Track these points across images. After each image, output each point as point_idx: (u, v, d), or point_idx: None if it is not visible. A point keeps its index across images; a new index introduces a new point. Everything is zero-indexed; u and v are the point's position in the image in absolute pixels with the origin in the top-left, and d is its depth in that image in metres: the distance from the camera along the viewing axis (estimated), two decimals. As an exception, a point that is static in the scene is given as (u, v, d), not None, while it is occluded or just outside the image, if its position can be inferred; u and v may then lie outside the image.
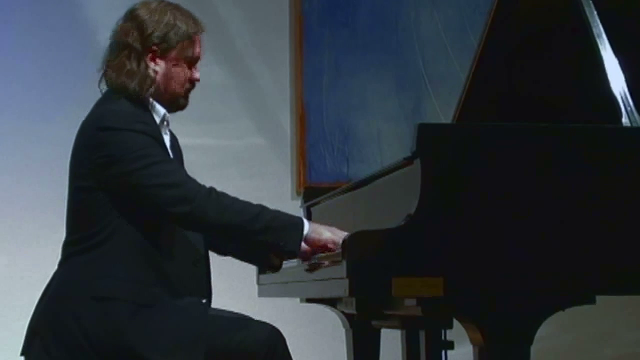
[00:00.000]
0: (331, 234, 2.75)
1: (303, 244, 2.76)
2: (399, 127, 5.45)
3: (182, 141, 3.06)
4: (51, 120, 5.11)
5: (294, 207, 3.57)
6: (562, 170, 2.55)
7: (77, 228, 2.82)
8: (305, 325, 4.91)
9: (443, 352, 3.13)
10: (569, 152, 2.57)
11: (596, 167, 2.57)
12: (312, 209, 3.62)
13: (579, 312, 2.63)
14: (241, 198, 2.78)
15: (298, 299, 3.70)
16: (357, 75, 5.51)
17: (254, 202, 2.79)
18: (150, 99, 2.85)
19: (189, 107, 2.96)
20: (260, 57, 5.44)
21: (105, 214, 2.76)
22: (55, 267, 2.86)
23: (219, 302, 3.04)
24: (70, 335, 2.70)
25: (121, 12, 2.93)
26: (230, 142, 5.36)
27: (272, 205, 2.80)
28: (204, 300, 2.93)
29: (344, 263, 2.46)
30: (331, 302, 3.54)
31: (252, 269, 3.59)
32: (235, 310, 2.94)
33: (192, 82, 2.90)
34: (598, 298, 2.57)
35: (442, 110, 5.32)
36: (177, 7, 2.89)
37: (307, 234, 2.74)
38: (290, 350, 2.81)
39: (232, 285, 4.29)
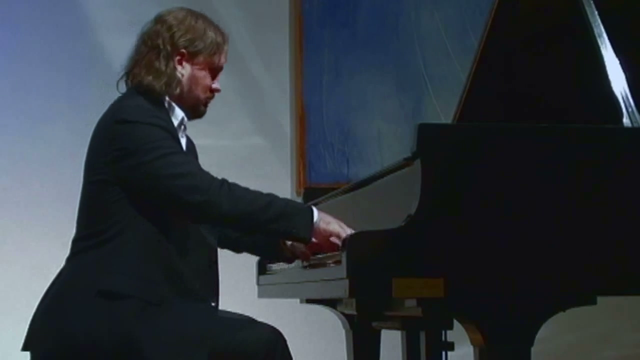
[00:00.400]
0: (338, 225, 2.77)
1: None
2: (399, 128, 5.45)
3: (191, 139, 3.05)
4: (52, 121, 5.11)
5: (293, 207, 3.56)
6: (563, 171, 2.54)
7: (88, 223, 2.82)
8: (305, 326, 4.91)
9: (443, 353, 3.12)
10: (569, 152, 2.56)
11: (597, 168, 2.57)
12: (312, 209, 3.61)
13: (579, 313, 2.62)
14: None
15: (298, 300, 3.69)
16: (357, 76, 5.51)
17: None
18: (171, 102, 2.88)
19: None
20: (260, 57, 5.44)
21: (118, 210, 2.76)
22: (55, 268, 2.85)
23: (219, 302, 3.03)
24: (72, 332, 2.69)
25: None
26: (230, 142, 5.36)
27: (272, 205, 2.80)
28: (212, 304, 2.93)
29: (344, 264, 2.46)
30: (331, 303, 3.53)
31: (252, 270, 3.58)
32: (236, 311, 2.94)
33: (213, 91, 2.95)
34: (599, 299, 2.57)
35: (443, 110, 5.32)
36: (205, 17, 2.96)
37: (316, 222, 2.77)
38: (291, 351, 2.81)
39: (232, 286, 4.28)
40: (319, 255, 2.85)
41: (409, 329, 3.23)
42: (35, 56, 5.19)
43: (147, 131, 2.76)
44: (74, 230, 2.86)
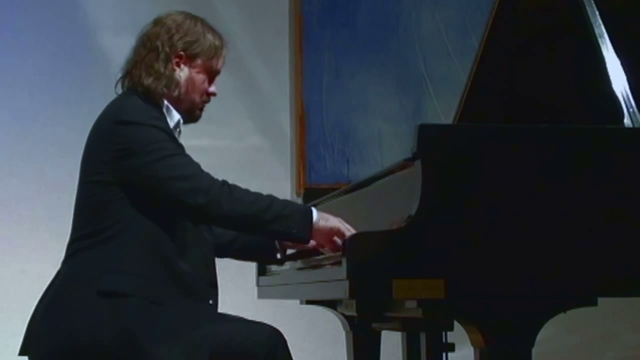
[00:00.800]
0: (338, 221, 2.79)
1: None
2: (400, 128, 5.45)
3: (181, 142, 3.05)
4: (52, 121, 5.11)
5: (293, 208, 3.56)
6: (564, 171, 2.54)
7: (86, 223, 2.81)
8: (305, 328, 4.90)
9: (444, 355, 3.11)
10: (570, 153, 2.55)
11: (598, 168, 2.56)
12: (312, 210, 3.60)
13: (580, 314, 2.62)
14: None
15: (298, 301, 3.69)
16: (357, 76, 5.51)
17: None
18: (168, 104, 2.89)
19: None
20: (260, 57, 5.43)
21: (118, 209, 2.76)
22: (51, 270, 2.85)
23: (219, 303, 3.02)
24: (73, 331, 2.68)
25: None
26: (230, 143, 5.36)
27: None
28: (211, 301, 2.93)
29: (345, 265, 2.45)
30: (331, 304, 3.53)
31: (252, 271, 3.58)
32: (236, 312, 2.93)
33: (209, 95, 2.96)
34: (600, 300, 2.56)
35: (443, 110, 5.31)
36: (204, 21, 2.97)
37: (315, 221, 2.78)
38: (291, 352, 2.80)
39: (232, 287, 4.28)
40: (318, 257, 2.84)
41: (410, 330, 3.23)
42: (36, 56, 5.19)
43: (149, 133, 2.77)
44: (70, 231, 2.85)
